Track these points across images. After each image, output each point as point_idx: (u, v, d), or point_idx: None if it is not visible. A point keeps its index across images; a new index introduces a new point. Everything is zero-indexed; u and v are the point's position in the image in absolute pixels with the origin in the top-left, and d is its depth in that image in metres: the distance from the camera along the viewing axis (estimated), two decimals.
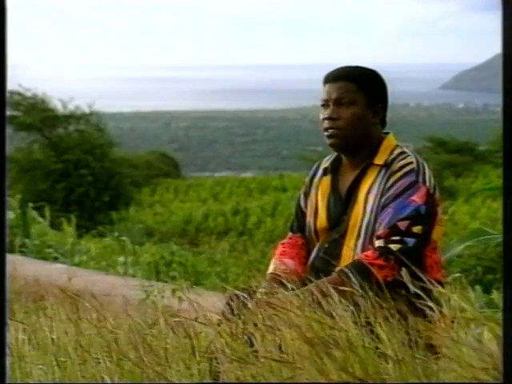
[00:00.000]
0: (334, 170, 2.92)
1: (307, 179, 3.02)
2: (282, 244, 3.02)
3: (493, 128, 24.27)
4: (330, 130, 2.81)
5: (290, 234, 3.04)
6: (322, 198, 2.92)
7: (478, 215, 18.74)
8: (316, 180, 2.97)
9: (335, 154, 2.94)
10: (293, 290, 2.41)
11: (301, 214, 3.00)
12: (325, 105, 2.85)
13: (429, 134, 28.63)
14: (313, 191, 2.96)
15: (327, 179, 2.93)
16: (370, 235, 2.71)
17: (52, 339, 2.59)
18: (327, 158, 2.99)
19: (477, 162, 25.78)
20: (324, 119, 2.84)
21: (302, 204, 3.00)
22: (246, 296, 2.48)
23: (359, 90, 2.80)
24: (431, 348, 2.07)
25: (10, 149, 22.35)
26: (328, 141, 2.84)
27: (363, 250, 2.70)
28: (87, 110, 24.55)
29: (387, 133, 2.89)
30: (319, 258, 2.84)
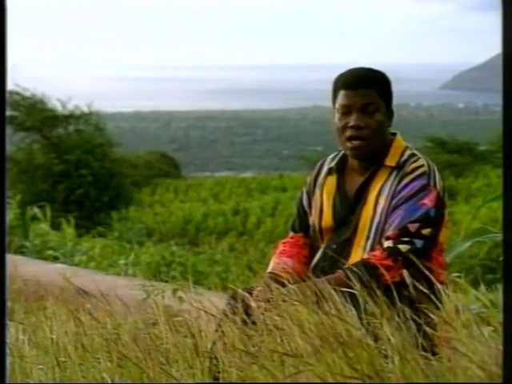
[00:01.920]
0: (340, 169, 2.90)
1: (311, 178, 2.99)
2: (283, 243, 3.00)
3: (493, 128, 24.25)
4: (356, 141, 2.77)
5: (291, 234, 3.02)
6: (328, 198, 2.89)
7: (478, 215, 18.71)
8: (320, 179, 2.95)
9: (340, 153, 2.91)
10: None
11: (303, 213, 2.98)
12: (345, 111, 2.79)
13: (429, 133, 28.57)
14: (317, 190, 2.94)
15: (332, 179, 2.91)
16: (380, 236, 2.71)
17: (52, 339, 2.59)
18: (331, 156, 2.96)
19: (477, 162, 25.73)
20: (348, 127, 2.78)
21: (305, 203, 2.98)
22: (247, 295, 2.48)
23: (380, 97, 2.80)
24: (434, 347, 2.07)
25: (9, 149, 22.34)
26: (351, 150, 2.80)
27: (372, 251, 2.70)
28: (87, 110, 24.53)
29: (394, 133, 2.88)
30: (327, 259, 2.82)
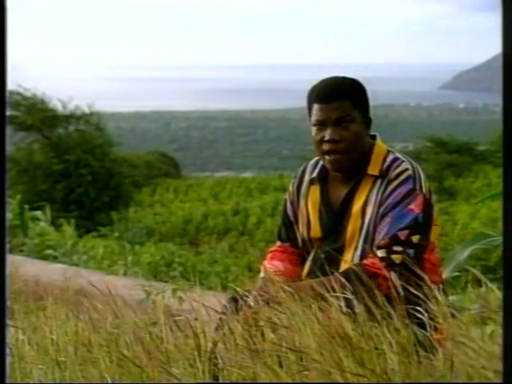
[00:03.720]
0: (322, 179, 2.86)
1: (293, 187, 2.96)
2: (271, 251, 2.97)
3: (493, 128, 24.23)
4: (333, 154, 2.72)
5: (278, 243, 2.98)
6: (313, 209, 2.86)
7: (478, 215, 18.72)
8: (303, 189, 2.91)
9: (321, 160, 2.84)
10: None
11: (289, 223, 2.95)
12: (320, 125, 2.73)
13: (429, 133, 28.54)
14: (301, 201, 2.91)
15: (316, 189, 2.87)
16: (371, 245, 2.68)
17: (52, 339, 2.59)
18: (312, 163, 2.91)
19: (477, 162, 25.70)
20: (324, 141, 2.72)
21: (290, 213, 2.95)
22: (247, 294, 2.48)
23: (355, 107, 2.72)
24: (432, 348, 2.08)
25: (9, 149, 22.33)
26: (330, 164, 2.75)
27: (362, 260, 2.67)
28: (87, 110, 24.54)
29: (373, 136, 2.81)
30: (316, 269, 2.78)
